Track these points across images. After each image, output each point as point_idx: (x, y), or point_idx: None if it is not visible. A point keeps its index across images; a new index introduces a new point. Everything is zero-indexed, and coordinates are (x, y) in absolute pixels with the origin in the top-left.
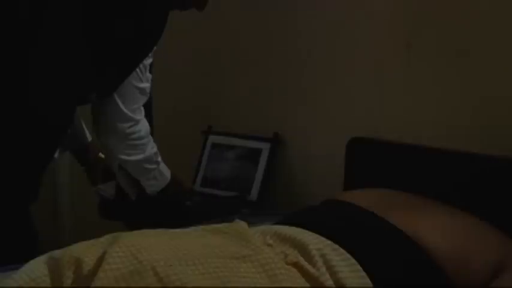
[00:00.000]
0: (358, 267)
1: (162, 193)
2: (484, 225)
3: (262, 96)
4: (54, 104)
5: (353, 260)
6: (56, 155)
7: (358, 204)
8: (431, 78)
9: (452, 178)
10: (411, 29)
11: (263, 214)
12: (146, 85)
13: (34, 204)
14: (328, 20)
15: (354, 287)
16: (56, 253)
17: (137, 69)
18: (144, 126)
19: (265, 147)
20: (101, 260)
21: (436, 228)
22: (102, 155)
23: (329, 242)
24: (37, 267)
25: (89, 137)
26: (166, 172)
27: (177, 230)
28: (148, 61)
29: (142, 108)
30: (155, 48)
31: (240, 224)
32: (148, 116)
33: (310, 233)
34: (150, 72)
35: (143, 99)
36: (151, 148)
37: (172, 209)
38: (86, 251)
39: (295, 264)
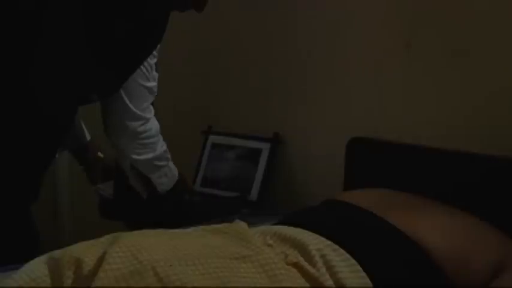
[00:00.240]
0: (358, 267)
1: (171, 192)
2: (484, 225)
3: (262, 96)
4: (58, 104)
5: (353, 261)
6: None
7: (358, 204)
8: (431, 78)
9: (452, 178)
10: (411, 29)
11: (263, 214)
12: (153, 84)
13: (34, 204)
14: (328, 20)
15: (353, 287)
16: (56, 253)
17: (143, 69)
18: (154, 124)
19: (265, 147)
20: (101, 260)
21: (436, 228)
22: (101, 155)
23: (329, 242)
24: (37, 267)
25: (88, 136)
26: (175, 170)
27: (177, 230)
28: (153, 60)
29: (151, 107)
30: (159, 47)
31: (240, 224)
32: None
33: (310, 233)
34: (156, 71)
35: (151, 98)
36: (161, 147)
37: (180, 207)
38: (86, 251)
39: (295, 265)
